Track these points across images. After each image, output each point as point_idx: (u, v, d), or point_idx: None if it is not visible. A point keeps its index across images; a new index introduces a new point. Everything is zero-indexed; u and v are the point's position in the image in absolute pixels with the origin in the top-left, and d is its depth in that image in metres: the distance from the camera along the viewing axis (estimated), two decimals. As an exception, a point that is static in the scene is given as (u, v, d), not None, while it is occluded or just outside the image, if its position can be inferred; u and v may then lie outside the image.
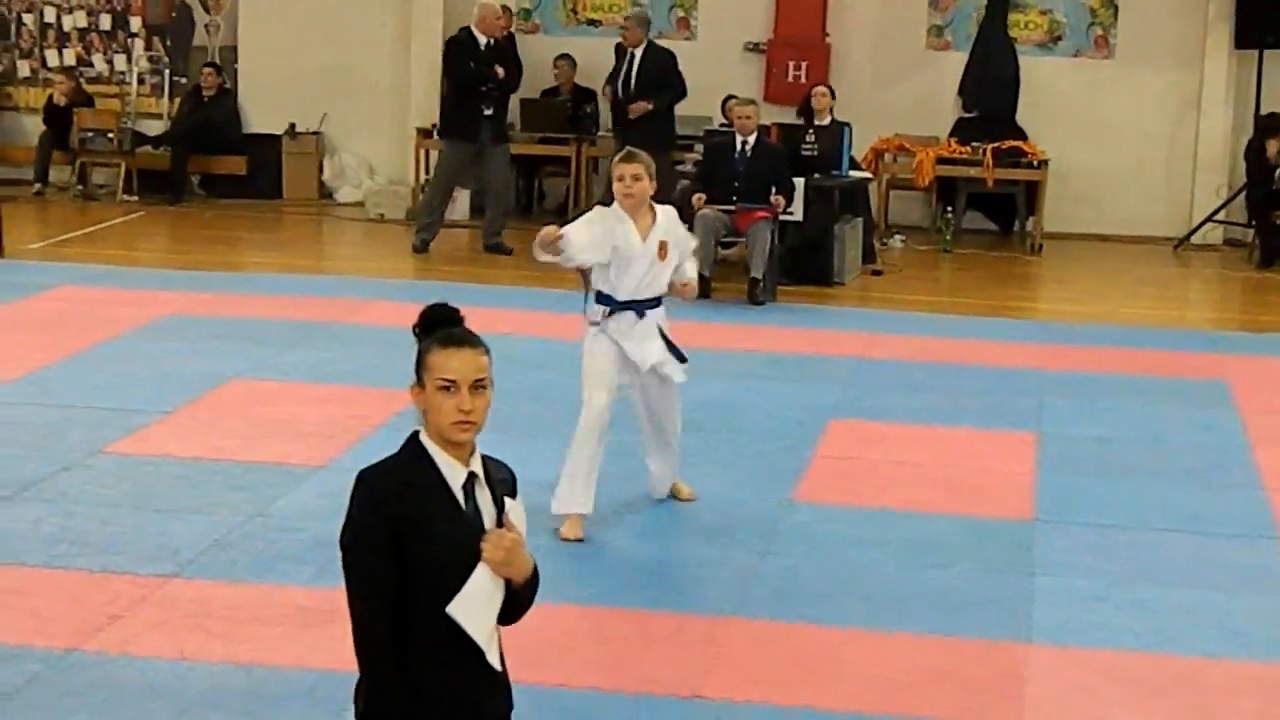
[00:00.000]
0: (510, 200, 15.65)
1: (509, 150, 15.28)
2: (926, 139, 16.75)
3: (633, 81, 14.94)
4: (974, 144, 16.29)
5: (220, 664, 6.12)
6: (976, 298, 13.83)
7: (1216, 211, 16.42)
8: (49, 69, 18.30)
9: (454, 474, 3.70)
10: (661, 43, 15.87)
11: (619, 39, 15.56)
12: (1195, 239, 16.50)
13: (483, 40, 14.92)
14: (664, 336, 7.76)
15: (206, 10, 18.07)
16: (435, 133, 16.16)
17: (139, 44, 18.24)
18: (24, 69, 18.45)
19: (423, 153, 16.98)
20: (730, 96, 15.19)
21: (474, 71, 14.78)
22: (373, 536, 3.64)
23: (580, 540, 7.54)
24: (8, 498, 7.89)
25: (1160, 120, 16.97)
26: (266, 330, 11.44)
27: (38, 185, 17.43)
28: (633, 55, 15.05)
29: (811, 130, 14.56)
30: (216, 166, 17.83)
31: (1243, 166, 16.25)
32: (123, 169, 17.54)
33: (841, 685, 6.16)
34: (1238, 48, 16.57)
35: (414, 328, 3.74)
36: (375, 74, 17.61)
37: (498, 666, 3.78)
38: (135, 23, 18.23)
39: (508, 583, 3.72)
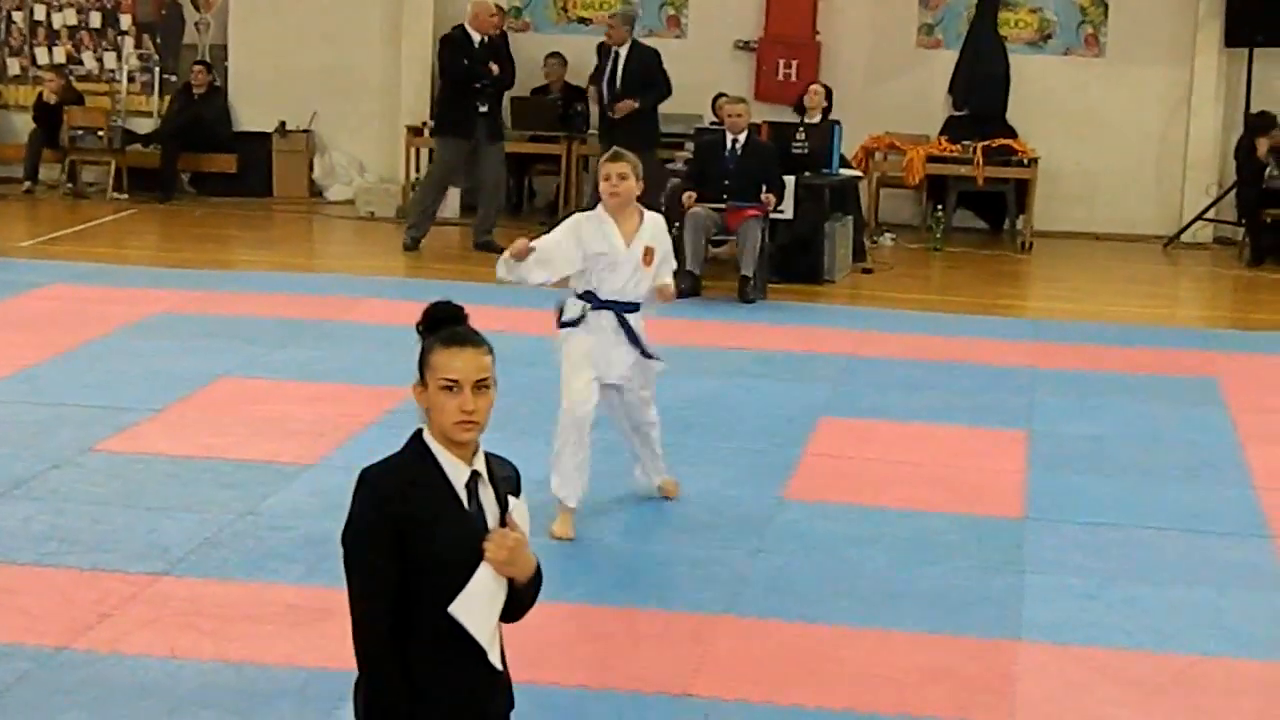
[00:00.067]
0: (502, 199, 15.64)
1: (504, 149, 15.28)
2: (917, 137, 16.77)
3: (618, 80, 14.93)
4: (964, 142, 16.31)
5: (211, 662, 6.11)
6: (967, 296, 13.84)
7: (1207, 210, 16.43)
8: (39, 67, 18.26)
9: (457, 473, 3.69)
10: (652, 41, 15.88)
11: (603, 38, 15.54)
12: (1185, 237, 16.51)
13: (477, 37, 14.92)
14: (638, 340, 7.74)
15: (196, 8, 18.05)
16: (430, 130, 16.15)
17: (129, 42, 18.22)
18: (14, 66, 18.42)
19: (413, 151, 16.97)
20: (720, 95, 15.18)
21: (469, 68, 14.77)
22: (375, 535, 3.63)
23: (571, 539, 7.54)
24: (-3, 496, 7.89)
25: (1150, 118, 16.99)
26: (257, 328, 11.43)
27: (27, 183, 17.41)
28: (617, 54, 15.03)
29: (802, 128, 14.56)
30: (207, 164, 17.80)
31: (1233, 165, 16.28)
32: (113, 167, 17.52)
33: (831, 683, 6.16)
34: (1228, 46, 16.59)
35: (417, 325, 3.72)
36: (366, 72, 17.59)
37: (499, 666, 3.77)
38: (125, 20, 18.20)
39: (510, 582, 3.72)
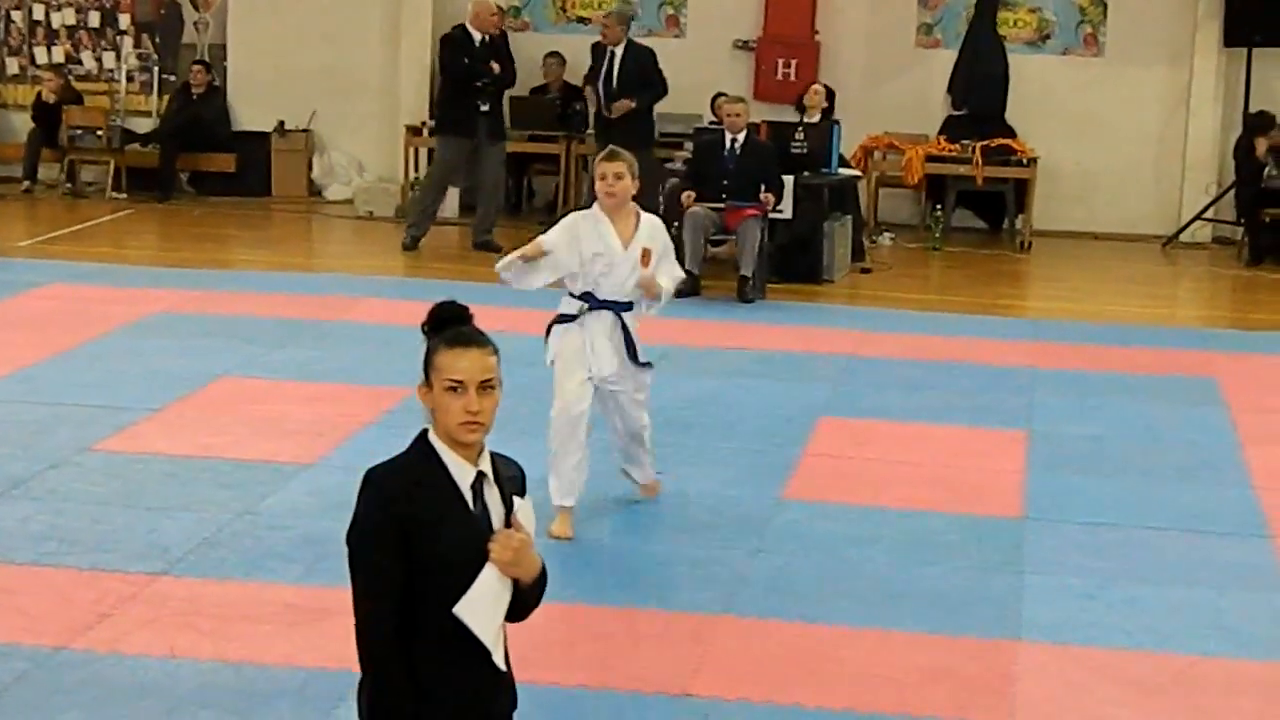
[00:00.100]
0: (501, 198, 15.64)
1: (505, 148, 15.28)
2: (916, 137, 16.77)
3: (614, 80, 14.91)
4: (963, 142, 16.30)
5: (209, 662, 6.10)
6: (966, 296, 13.84)
7: (1206, 209, 16.43)
8: (38, 66, 18.25)
9: (462, 474, 3.68)
10: (651, 41, 15.87)
11: (598, 37, 15.52)
12: (1184, 237, 16.51)
13: (477, 36, 14.92)
14: (630, 342, 7.72)
15: (195, 7, 18.04)
16: (430, 129, 16.14)
17: (128, 41, 18.21)
18: (12, 66, 18.41)
19: (412, 150, 16.97)
20: (719, 94, 15.18)
21: (470, 67, 14.77)
22: (380, 535, 3.63)
23: (570, 539, 7.53)
24: (-4, 496, 7.89)
25: (1149, 118, 16.99)
26: (256, 328, 11.42)
27: (26, 183, 17.40)
28: (613, 54, 15.01)
29: (801, 128, 14.56)
30: (205, 164, 17.79)
31: (1232, 164, 16.28)
32: (111, 166, 17.51)
33: (831, 683, 6.16)
34: (1227, 45, 16.59)
35: (423, 325, 3.70)
36: (365, 71, 17.58)
37: (503, 667, 3.76)
38: (124, 20, 18.19)
39: (515, 582, 3.71)
